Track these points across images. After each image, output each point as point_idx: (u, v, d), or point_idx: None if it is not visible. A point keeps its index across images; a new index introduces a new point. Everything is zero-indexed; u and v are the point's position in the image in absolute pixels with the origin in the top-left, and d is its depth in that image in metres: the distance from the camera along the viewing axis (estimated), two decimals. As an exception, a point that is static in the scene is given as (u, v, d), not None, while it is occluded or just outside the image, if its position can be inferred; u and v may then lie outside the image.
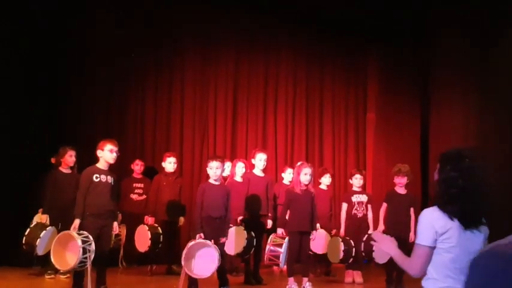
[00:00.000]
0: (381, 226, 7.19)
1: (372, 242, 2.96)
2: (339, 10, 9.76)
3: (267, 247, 6.46)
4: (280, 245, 6.46)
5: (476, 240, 2.69)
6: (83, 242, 5.56)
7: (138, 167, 8.73)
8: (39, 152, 8.18)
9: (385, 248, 2.97)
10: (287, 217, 6.78)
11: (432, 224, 2.68)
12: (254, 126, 10.06)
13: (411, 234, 7.02)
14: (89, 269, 5.64)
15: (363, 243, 7.18)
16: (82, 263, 5.56)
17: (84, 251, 5.52)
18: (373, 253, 6.97)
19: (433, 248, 2.69)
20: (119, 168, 6.97)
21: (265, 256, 6.47)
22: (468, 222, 2.67)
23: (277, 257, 6.44)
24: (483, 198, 2.72)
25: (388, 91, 10.44)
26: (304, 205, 6.73)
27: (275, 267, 7.53)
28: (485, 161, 2.92)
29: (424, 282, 2.76)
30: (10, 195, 8.05)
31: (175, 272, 7.58)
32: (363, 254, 7.24)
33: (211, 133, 9.78)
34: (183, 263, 5.81)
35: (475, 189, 2.68)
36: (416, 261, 2.72)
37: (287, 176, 8.23)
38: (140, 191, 8.64)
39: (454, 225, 2.66)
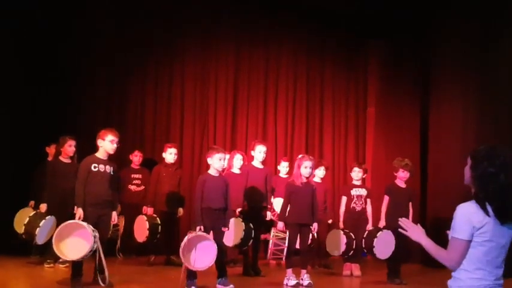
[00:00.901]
0: (383, 220, 7.20)
1: (401, 230, 2.97)
2: (339, 5, 9.74)
3: (270, 242, 6.45)
4: (283, 239, 6.47)
5: (509, 233, 2.76)
6: (92, 230, 5.57)
7: (137, 158, 8.73)
8: (40, 142, 8.19)
9: (415, 237, 2.99)
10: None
11: (469, 218, 2.72)
12: (254, 119, 10.08)
13: None
14: (97, 258, 5.66)
15: (363, 240, 7.18)
16: (90, 251, 5.57)
17: (94, 239, 5.53)
18: (374, 249, 7.01)
19: (470, 242, 2.74)
20: (117, 159, 6.97)
21: (269, 251, 6.47)
22: (505, 218, 2.72)
23: (281, 251, 6.45)
24: None
25: (389, 86, 10.45)
26: (305, 198, 6.74)
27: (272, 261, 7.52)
28: None
29: (455, 274, 2.80)
30: (10, 185, 8.07)
31: (174, 263, 7.61)
32: (365, 250, 7.25)
33: (211, 125, 9.80)
34: (181, 255, 5.83)
35: (510, 185, 2.74)
36: (453, 254, 2.77)
37: (283, 169, 8.23)
38: (138, 181, 8.65)
39: (490, 220, 2.71)
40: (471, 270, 2.73)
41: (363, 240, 7.19)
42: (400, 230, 2.96)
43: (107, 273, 5.78)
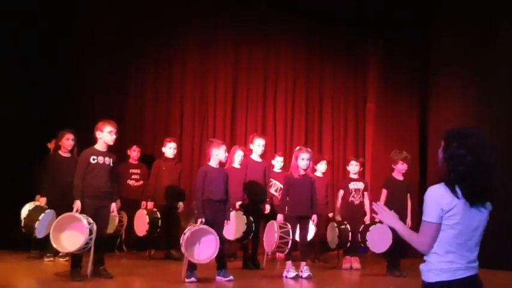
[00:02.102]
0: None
1: (373, 215, 2.96)
2: (340, 3, 9.75)
3: (276, 235, 6.46)
4: (287, 232, 6.48)
5: (480, 216, 2.71)
6: (87, 223, 5.58)
7: (135, 153, 8.71)
8: (39, 136, 8.21)
9: (387, 221, 2.96)
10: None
11: (438, 201, 2.68)
12: (253, 114, 10.10)
13: (408, 220, 7.08)
14: (92, 251, 5.67)
15: (359, 234, 7.20)
16: (87, 244, 5.58)
17: (89, 232, 5.55)
18: (367, 242, 7.03)
19: (439, 224, 2.70)
20: (116, 154, 6.98)
21: (274, 244, 6.47)
22: (474, 200, 2.68)
23: (286, 243, 6.46)
24: (489, 176, 2.72)
25: (388, 82, 10.47)
26: (303, 190, 6.76)
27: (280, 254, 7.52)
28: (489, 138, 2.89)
29: (426, 257, 2.77)
30: (10, 180, 8.08)
31: (173, 257, 7.64)
32: (361, 244, 7.26)
33: (211, 119, 9.82)
34: (183, 248, 5.84)
35: (481, 166, 2.68)
36: (424, 237, 2.73)
37: (277, 163, 8.25)
38: (137, 176, 8.65)
39: (459, 202, 2.66)
40: (442, 254, 2.70)
41: (359, 234, 7.20)
42: (372, 214, 2.96)
43: (90, 263, 5.74)
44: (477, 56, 8.73)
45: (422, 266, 2.80)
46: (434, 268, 2.72)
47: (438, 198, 2.69)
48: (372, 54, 10.76)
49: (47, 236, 6.34)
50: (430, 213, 2.71)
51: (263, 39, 10.31)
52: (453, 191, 2.67)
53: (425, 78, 10.11)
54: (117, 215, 6.73)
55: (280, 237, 6.46)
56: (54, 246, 5.73)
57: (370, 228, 7.02)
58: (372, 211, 3.08)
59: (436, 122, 9.53)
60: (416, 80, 10.32)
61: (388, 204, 7.19)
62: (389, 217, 2.95)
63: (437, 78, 9.65)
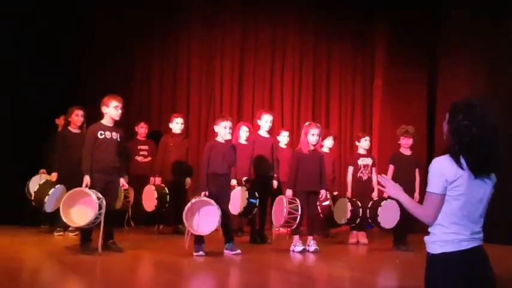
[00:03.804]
0: None
1: (379, 187, 2.97)
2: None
3: (284, 210, 6.49)
4: (296, 208, 6.52)
5: (484, 187, 2.72)
6: (97, 198, 5.63)
7: (143, 129, 8.76)
8: (47, 113, 8.26)
9: (393, 193, 2.98)
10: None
11: (443, 172, 2.69)
12: (261, 90, 10.08)
13: (416, 194, 7.09)
14: (102, 225, 5.73)
15: (368, 210, 7.21)
16: (96, 219, 5.63)
17: (99, 207, 5.60)
18: (379, 218, 7.04)
19: (443, 196, 2.71)
20: (124, 130, 7.02)
21: (283, 219, 6.51)
22: (479, 171, 2.69)
23: (295, 219, 6.50)
24: (494, 147, 2.73)
25: (396, 58, 10.37)
26: (312, 165, 6.76)
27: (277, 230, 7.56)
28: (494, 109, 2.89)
29: (431, 229, 2.79)
30: (21, 158, 8.16)
31: (181, 232, 7.68)
32: (369, 220, 7.28)
33: (218, 95, 9.82)
34: (184, 220, 5.89)
35: (486, 137, 2.70)
36: (428, 208, 2.75)
37: (283, 138, 8.25)
38: (145, 153, 8.69)
39: (464, 173, 2.68)
40: (446, 225, 2.72)
41: (368, 210, 7.21)
42: (378, 186, 2.97)
43: (101, 238, 5.77)
44: (486, 32, 8.64)
45: (426, 238, 2.82)
46: (438, 240, 2.74)
47: (443, 169, 2.71)
48: (380, 31, 10.64)
49: (57, 211, 6.44)
50: (434, 184, 2.73)
51: (271, 15, 10.25)
52: (458, 162, 2.69)
53: (433, 55, 10.03)
54: (127, 187, 6.77)
55: (289, 213, 6.49)
56: (64, 220, 5.79)
57: (381, 204, 7.02)
58: (379, 184, 3.09)
59: (444, 98, 9.47)
60: (424, 57, 10.24)
61: (395, 179, 7.17)
62: (394, 189, 2.97)
63: (446, 55, 9.58)
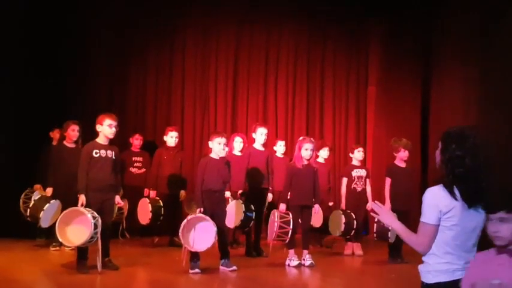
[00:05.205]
0: (388, 202, 7.07)
1: (373, 214, 2.99)
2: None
3: (275, 224, 6.52)
4: (288, 222, 6.54)
5: (477, 217, 2.72)
6: (92, 217, 5.64)
7: (137, 141, 8.79)
8: (43, 126, 8.26)
9: (387, 221, 3.00)
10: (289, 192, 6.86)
11: (437, 202, 2.71)
12: (255, 100, 10.08)
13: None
14: (99, 244, 5.74)
15: (375, 225, 7.20)
16: (92, 238, 5.65)
17: (94, 226, 5.61)
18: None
19: (437, 226, 2.73)
20: (118, 142, 7.03)
21: (274, 233, 6.54)
22: (472, 201, 2.70)
23: (286, 233, 6.53)
24: (487, 177, 2.74)
25: (389, 64, 10.38)
26: (306, 180, 6.80)
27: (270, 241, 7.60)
28: (487, 138, 2.91)
29: (425, 258, 2.80)
30: (15, 168, 8.15)
31: (177, 244, 7.70)
32: (375, 235, 7.27)
33: (212, 107, 9.83)
34: (181, 237, 5.92)
35: (479, 168, 2.71)
36: (422, 238, 2.76)
37: (279, 148, 8.26)
38: (139, 164, 8.72)
39: (457, 204, 2.69)
40: (440, 255, 2.73)
41: (375, 224, 7.16)
42: (371, 213, 2.99)
43: (99, 257, 5.80)
44: (479, 37, 8.65)
45: (421, 267, 2.84)
46: (432, 269, 2.76)
47: (437, 200, 2.72)
48: (373, 38, 10.65)
49: (53, 225, 6.44)
50: (428, 215, 2.74)
51: (264, 21, 10.23)
52: (451, 193, 2.70)
53: (427, 61, 10.05)
54: (122, 204, 6.81)
55: (280, 227, 6.53)
56: (60, 240, 5.80)
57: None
58: (372, 211, 3.11)
59: (438, 104, 9.50)
60: (418, 63, 10.24)
61: (393, 192, 7.23)
62: (388, 217, 2.99)
63: (439, 60, 9.60)
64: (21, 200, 7.62)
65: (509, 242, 2.53)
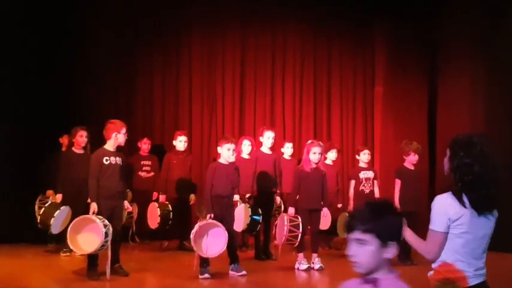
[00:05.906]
0: (397, 204, 7.07)
1: None
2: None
3: (285, 228, 6.54)
4: (297, 226, 6.56)
5: (487, 224, 2.73)
6: (103, 226, 5.68)
7: (146, 145, 8.84)
8: (51, 132, 8.30)
9: None
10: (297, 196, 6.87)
11: (445, 210, 2.71)
12: (262, 103, 10.06)
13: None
14: (109, 253, 5.79)
15: None
16: (103, 246, 5.69)
17: (105, 234, 5.65)
18: None
19: (446, 233, 2.73)
20: (126, 146, 7.07)
21: (284, 237, 6.56)
22: (482, 209, 2.70)
23: (296, 237, 6.54)
24: (495, 184, 2.74)
25: (396, 64, 10.36)
26: (314, 183, 6.80)
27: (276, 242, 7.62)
28: (494, 141, 2.90)
29: (434, 265, 2.80)
30: (24, 174, 8.20)
31: (186, 248, 7.75)
32: None
33: (220, 111, 9.83)
34: (193, 243, 5.94)
35: (488, 175, 2.71)
36: (431, 246, 2.77)
37: (287, 150, 8.27)
38: (148, 168, 8.77)
39: (466, 211, 2.69)
40: (450, 262, 2.73)
41: None
42: None
43: (108, 264, 5.86)
44: (486, 35, 8.63)
45: (430, 275, 2.84)
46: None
47: (445, 207, 2.72)
48: (380, 36, 10.61)
49: (63, 231, 6.50)
50: (437, 223, 2.74)
51: (270, 23, 10.22)
52: (460, 201, 2.70)
53: (433, 60, 10.02)
54: (131, 209, 6.87)
55: (290, 231, 6.54)
56: (71, 247, 5.85)
57: None
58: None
59: (445, 104, 9.49)
60: (424, 62, 10.22)
61: (402, 193, 7.23)
62: None
63: (446, 59, 9.57)
64: (36, 206, 7.67)
65: (369, 269, 2.12)
